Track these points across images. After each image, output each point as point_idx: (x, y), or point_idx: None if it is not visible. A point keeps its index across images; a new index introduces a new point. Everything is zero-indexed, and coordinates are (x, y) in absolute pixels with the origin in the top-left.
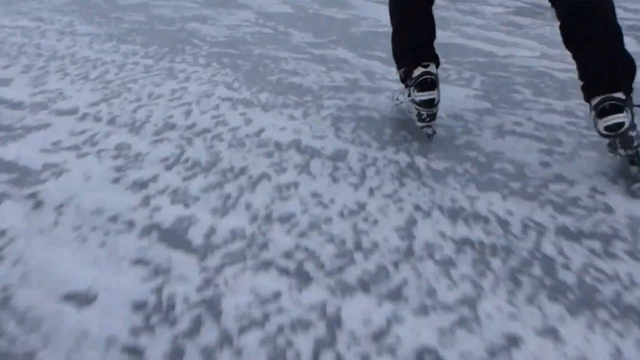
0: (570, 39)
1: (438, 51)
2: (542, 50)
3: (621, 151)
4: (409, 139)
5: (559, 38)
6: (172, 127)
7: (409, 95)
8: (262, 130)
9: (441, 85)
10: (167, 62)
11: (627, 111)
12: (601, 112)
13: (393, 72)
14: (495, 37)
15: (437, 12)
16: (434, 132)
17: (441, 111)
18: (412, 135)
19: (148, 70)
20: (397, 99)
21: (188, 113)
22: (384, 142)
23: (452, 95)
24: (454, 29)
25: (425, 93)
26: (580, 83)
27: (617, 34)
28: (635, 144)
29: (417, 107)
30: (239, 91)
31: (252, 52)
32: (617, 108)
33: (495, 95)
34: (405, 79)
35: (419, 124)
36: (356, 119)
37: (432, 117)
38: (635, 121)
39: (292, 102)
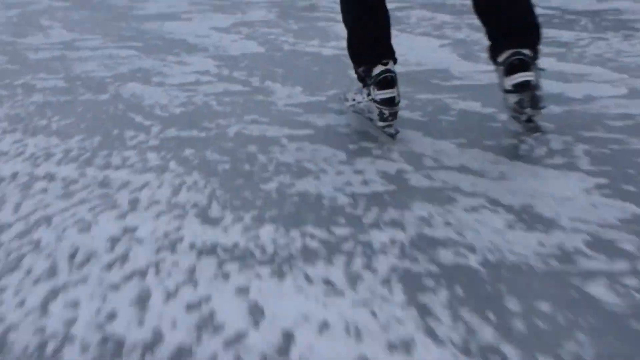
0: (480, 1)
1: (482, 96)
2: (625, 81)
3: (528, 110)
4: (562, 326)
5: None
6: (117, 350)
7: (369, 94)
8: (289, 339)
9: (536, 171)
10: (98, 169)
11: (533, 70)
12: (509, 68)
13: (451, 150)
14: (551, 67)
15: (449, 31)
16: (397, 132)
17: (574, 237)
18: (560, 307)
19: (69, 193)
20: (354, 100)
21: (143, 302)
22: (526, 345)
23: (564, 193)
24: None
25: (386, 91)
26: (488, 44)
27: None
28: (541, 105)
29: (379, 105)
30: (222, 225)
31: (225, 132)
32: (524, 65)
33: (628, 182)
34: (364, 77)
35: (381, 124)
36: (444, 278)
37: (394, 115)
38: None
39: (318, 244)
